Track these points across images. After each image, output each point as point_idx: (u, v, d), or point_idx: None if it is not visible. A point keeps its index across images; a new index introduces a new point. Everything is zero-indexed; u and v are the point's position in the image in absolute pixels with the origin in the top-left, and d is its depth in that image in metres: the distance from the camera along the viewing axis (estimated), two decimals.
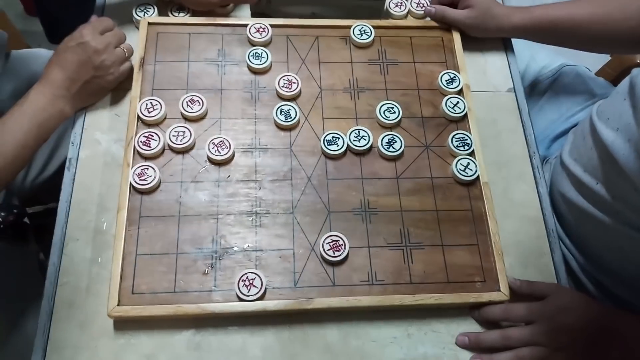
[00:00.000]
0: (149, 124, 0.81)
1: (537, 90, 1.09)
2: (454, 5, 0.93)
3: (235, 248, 0.74)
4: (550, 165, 0.98)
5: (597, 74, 1.16)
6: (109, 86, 0.83)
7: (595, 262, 0.85)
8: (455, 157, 0.82)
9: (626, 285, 0.83)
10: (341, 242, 0.75)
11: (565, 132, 1.03)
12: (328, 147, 0.81)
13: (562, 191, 0.86)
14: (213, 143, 0.79)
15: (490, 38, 0.96)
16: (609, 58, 1.18)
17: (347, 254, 0.74)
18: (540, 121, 1.06)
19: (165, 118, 0.81)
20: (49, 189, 1.00)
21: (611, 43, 0.90)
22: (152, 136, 0.79)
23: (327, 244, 0.74)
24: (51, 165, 1.02)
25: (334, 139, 0.82)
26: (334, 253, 0.74)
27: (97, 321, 0.71)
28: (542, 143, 1.04)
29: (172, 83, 0.84)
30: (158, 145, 0.78)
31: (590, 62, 1.15)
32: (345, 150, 0.82)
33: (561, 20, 0.88)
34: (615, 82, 1.11)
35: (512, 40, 0.98)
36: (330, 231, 0.76)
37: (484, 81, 0.94)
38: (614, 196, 0.75)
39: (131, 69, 0.84)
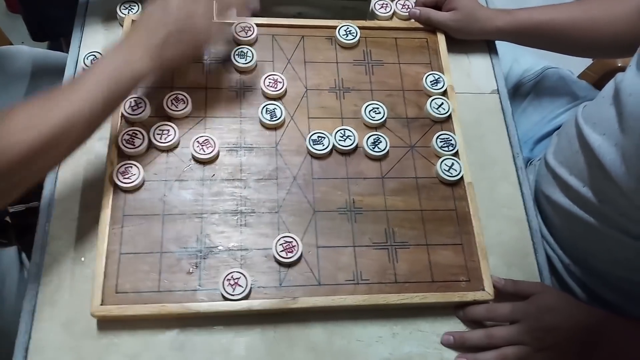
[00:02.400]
0: (133, 122, 0.80)
1: (520, 92, 1.10)
2: (439, 8, 0.94)
3: (220, 247, 0.74)
4: (534, 167, 0.98)
5: (580, 76, 1.17)
6: (197, 40, 0.74)
7: (581, 264, 0.85)
8: (439, 157, 0.83)
9: (612, 288, 0.83)
10: (294, 243, 0.74)
11: (548, 135, 1.04)
12: (314, 146, 0.81)
13: (548, 193, 0.87)
14: (198, 142, 0.79)
15: (474, 40, 0.96)
16: (591, 61, 1.20)
17: (301, 254, 0.74)
18: (523, 123, 1.07)
19: (149, 116, 0.81)
20: (31, 187, 0.99)
21: (594, 47, 0.90)
22: (136, 134, 0.78)
23: (280, 245, 0.74)
24: None
25: (320, 138, 0.82)
26: (286, 254, 0.73)
27: (80, 321, 0.70)
28: (525, 145, 1.04)
29: (156, 81, 0.83)
30: (142, 143, 0.77)
31: (573, 65, 1.16)
32: (331, 149, 0.82)
33: (545, 25, 0.89)
34: (597, 84, 1.12)
35: (496, 42, 0.99)
36: (316, 231, 0.76)
37: (468, 83, 0.94)
38: (600, 200, 0.76)
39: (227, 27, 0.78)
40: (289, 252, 0.73)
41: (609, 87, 0.77)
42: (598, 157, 0.74)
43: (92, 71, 0.66)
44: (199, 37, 0.73)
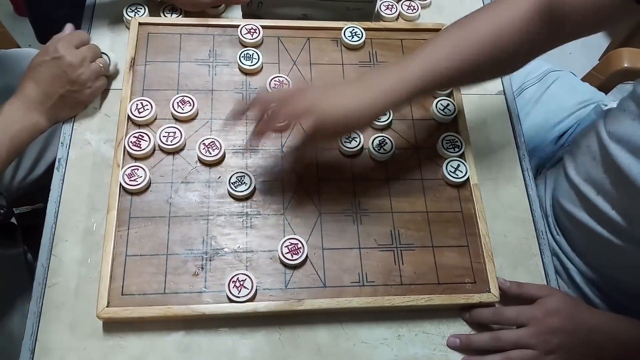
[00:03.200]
0: (139, 125, 0.80)
1: (523, 95, 1.08)
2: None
3: (225, 249, 0.74)
4: (545, 176, 0.96)
5: (584, 79, 1.16)
6: (85, 101, 0.82)
7: (598, 274, 0.84)
8: (445, 159, 0.83)
9: (628, 295, 0.82)
10: (300, 245, 0.74)
11: (553, 140, 1.03)
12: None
13: (569, 210, 0.84)
14: (204, 144, 0.79)
15: None
16: (596, 63, 1.19)
17: (306, 256, 0.74)
18: (528, 127, 1.06)
19: (155, 118, 0.81)
20: (38, 189, 0.99)
21: (501, 66, 0.76)
22: (143, 137, 0.78)
23: (285, 247, 0.74)
24: (40, 165, 1.01)
25: None
26: (292, 256, 0.73)
27: (86, 322, 0.70)
28: (531, 150, 1.03)
29: (162, 83, 0.84)
30: (148, 145, 0.78)
31: (577, 67, 1.15)
32: (337, 151, 0.82)
33: (435, 79, 0.71)
34: (601, 87, 1.11)
35: None
36: (321, 233, 0.76)
37: None
38: (631, 221, 0.74)
39: (106, 84, 0.84)
40: (294, 254, 0.73)
41: (629, 100, 0.74)
42: (628, 176, 0.71)
43: None
44: (89, 97, 0.82)
